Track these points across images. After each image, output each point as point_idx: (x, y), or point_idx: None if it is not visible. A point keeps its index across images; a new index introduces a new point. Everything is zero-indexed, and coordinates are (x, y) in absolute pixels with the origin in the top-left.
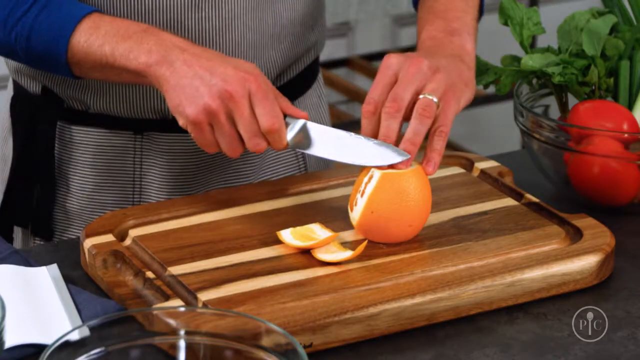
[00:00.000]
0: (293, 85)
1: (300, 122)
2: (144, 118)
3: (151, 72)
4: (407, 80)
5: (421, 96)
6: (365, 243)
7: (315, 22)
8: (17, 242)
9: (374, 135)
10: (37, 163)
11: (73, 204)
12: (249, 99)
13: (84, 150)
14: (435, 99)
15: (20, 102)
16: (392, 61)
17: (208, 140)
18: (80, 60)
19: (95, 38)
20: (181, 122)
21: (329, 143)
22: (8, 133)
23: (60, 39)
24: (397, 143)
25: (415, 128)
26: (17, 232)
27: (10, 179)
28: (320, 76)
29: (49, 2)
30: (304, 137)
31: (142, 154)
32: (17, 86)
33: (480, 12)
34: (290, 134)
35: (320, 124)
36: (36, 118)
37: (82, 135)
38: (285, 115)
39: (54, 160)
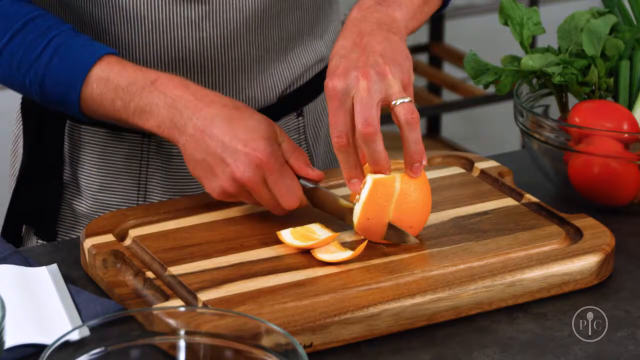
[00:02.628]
0: (300, 94)
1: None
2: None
3: (164, 135)
4: (366, 97)
5: (396, 102)
6: (365, 243)
7: (325, 30)
8: (23, 242)
9: (359, 165)
10: (46, 161)
11: (81, 205)
12: (264, 182)
13: (92, 150)
14: (407, 99)
15: (30, 100)
16: (338, 85)
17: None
18: (94, 110)
19: (107, 91)
20: (206, 191)
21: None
22: (21, 130)
23: (72, 89)
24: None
25: (412, 138)
26: (24, 231)
27: (20, 176)
28: None
29: (60, 46)
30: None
31: (149, 157)
32: None
33: None
34: (307, 199)
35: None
36: (46, 115)
37: (90, 134)
38: (299, 177)
39: (62, 159)
